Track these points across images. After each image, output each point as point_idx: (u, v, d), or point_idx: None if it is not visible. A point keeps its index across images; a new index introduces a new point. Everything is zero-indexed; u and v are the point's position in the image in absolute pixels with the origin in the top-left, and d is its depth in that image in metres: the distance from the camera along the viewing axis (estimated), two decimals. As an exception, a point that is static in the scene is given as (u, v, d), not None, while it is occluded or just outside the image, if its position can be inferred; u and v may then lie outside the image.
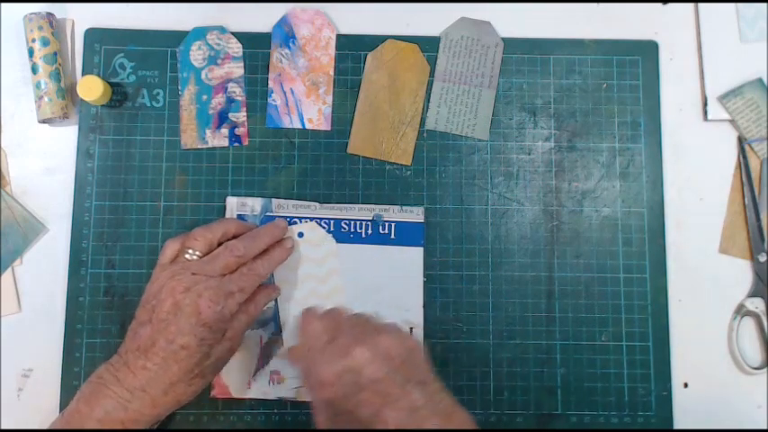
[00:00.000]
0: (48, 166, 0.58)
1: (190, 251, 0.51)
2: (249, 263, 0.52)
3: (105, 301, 0.56)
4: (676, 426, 0.56)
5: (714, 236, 0.59)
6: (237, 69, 0.59)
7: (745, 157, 0.59)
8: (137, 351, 0.48)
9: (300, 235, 0.57)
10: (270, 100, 0.59)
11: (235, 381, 0.56)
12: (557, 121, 0.60)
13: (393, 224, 0.58)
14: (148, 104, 0.59)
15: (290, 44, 0.60)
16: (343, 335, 0.46)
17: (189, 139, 0.58)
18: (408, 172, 0.59)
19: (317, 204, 0.58)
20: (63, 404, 0.55)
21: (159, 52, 0.59)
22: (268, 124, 0.59)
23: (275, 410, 0.56)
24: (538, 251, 0.58)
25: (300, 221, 0.57)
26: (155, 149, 0.58)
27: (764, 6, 0.60)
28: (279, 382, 0.56)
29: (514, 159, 0.59)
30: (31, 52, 0.57)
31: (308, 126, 0.59)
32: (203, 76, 0.59)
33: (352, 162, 0.59)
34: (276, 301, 0.56)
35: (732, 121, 0.60)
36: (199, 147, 0.58)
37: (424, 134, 0.59)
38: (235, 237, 0.53)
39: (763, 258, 0.58)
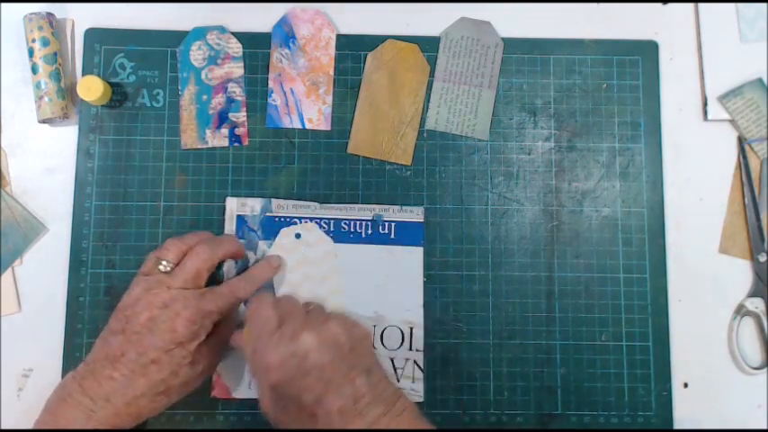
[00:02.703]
0: (48, 166, 0.58)
1: (164, 262, 0.51)
2: (228, 281, 0.52)
3: (105, 301, 0.56)
4: (676, 426, 0.56)
5: (714, 236, 0.59)
6: (237, 69, 0.59)
7: (745, 157, 0.59)
8: (104, 360, 0.48)
9: (298, 236, 0.57)
10: (270, 100, 0.59)
11: (235, 381, 0.56)
12: (557, 121, 0.60)
13: (393, 224, 0.58)
14: (148, 104, 0.59)
15: (290, 44, 0.60)
16: (292, 321, 0.46)
17: (189, 139, 0.58)
18: (408, 172, 0.59)
19: (316, 204, 0.58)
20: (63, 404, 0.55)
21: (159, 52, 0.59)
22: (268, 124, 0.59)
23: (275, 410, 0.56)
24: (538, 251, 0.58)
25: (300, 222, 0.57)
26: (155, 149, 0.58)
27: (764, 6, 0.60)
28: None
29: (514, 159, 0.59)
30: (31, 52, 0.57)
31: (308, 126, 0.59)
32: (203, 76, 0.59)
33: (352, 162, 0.59)
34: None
35: (732, 121, 0.60)
36: (199, 147, 0.58)
37: (424, 134, 0.59)
38: None
39: (763, 258, 0.58)
